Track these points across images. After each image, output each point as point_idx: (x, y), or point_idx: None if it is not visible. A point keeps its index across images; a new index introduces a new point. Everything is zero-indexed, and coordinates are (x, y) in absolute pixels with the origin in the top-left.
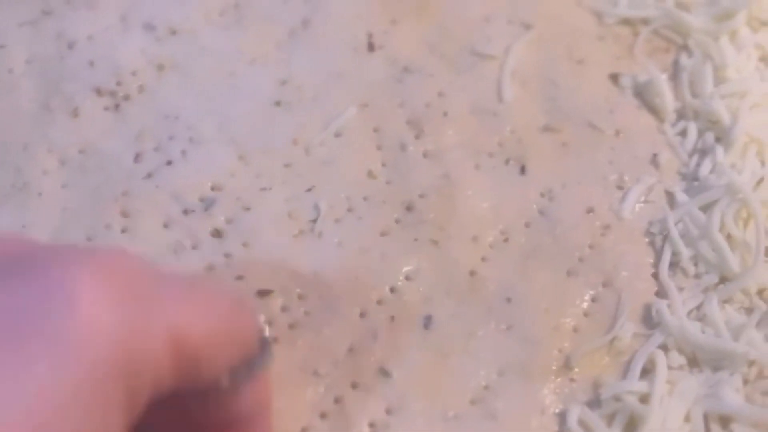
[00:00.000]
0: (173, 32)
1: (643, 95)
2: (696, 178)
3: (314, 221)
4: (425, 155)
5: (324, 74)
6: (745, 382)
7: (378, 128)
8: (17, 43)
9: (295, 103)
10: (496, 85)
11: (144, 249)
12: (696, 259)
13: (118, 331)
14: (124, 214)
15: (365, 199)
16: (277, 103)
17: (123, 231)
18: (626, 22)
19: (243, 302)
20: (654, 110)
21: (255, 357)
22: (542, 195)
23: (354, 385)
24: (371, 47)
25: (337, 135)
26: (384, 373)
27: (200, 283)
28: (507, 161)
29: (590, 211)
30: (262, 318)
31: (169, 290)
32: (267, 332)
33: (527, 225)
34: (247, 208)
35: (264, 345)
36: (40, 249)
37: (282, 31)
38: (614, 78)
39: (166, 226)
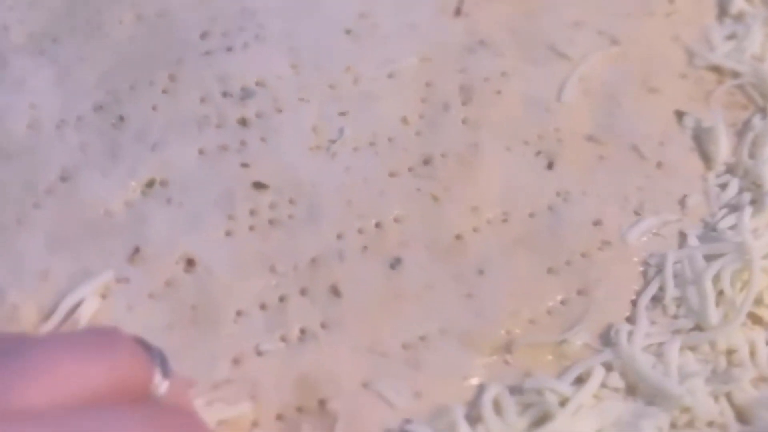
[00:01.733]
0: None
1: (700, 140)
2: (714, 229)
3: (333, 141)
4: (464, 121)
5: (403, 21)
6: (673, 425)
7: (430, 83)
8: None
9: (364, 36)
10: (559, 84)
11: (172, 115)
12: (680, 301)
13: None
14: (171, 78)
15: (390, 140)
16: (348, 31)
17: (163, 91)
18: (715, 69)
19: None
20: (705, 157)
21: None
22: (558, 194)
23: (303, 291)
24: (458, 12)
25: (390, 76)
26: (335, 291)
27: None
28: (538, 153)
29: (598, 223)
30: None
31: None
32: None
33: (531, 215)
34: (279, 110)
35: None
36: None
37: None
38: (679, 115)
39: (202, 100)
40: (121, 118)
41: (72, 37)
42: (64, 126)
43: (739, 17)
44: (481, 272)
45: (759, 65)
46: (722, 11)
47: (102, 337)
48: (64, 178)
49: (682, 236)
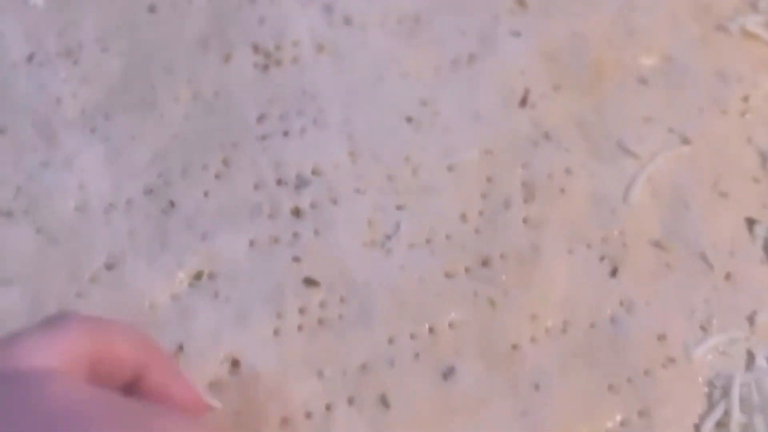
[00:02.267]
0: (347, 21)
1: None
2: None
3: (389, 237)
4: (525, 221)
5: (466, 110)
6: None
7: (491, 178)
8: None
9: (425, 125)
10: (627, 184)
11: (224, 202)
12: (746, 428)
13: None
14: (225, 163)
15: (447, 237)
16: (409, 119)
17: (216, 176)
18: None
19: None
20: None
21: None
22: (621, 303)
23: (350, 400)
24: (523, 103)
25: (450, 169)
26: (384, 401)
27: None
28: (602, 258)
29: (662, 338)
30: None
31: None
32: None
33: (592, 325)
34: (335, 201)
35: None
36: None
37: (446, 57)
38: (750, 223)
39: (256, 187)
40: (172, 204)
41: (125, 114)
42: (113, 210)
43: None
44: (537, 387)
45: None
46: None
47: None
48: (109, 266)
49: (750, 356)
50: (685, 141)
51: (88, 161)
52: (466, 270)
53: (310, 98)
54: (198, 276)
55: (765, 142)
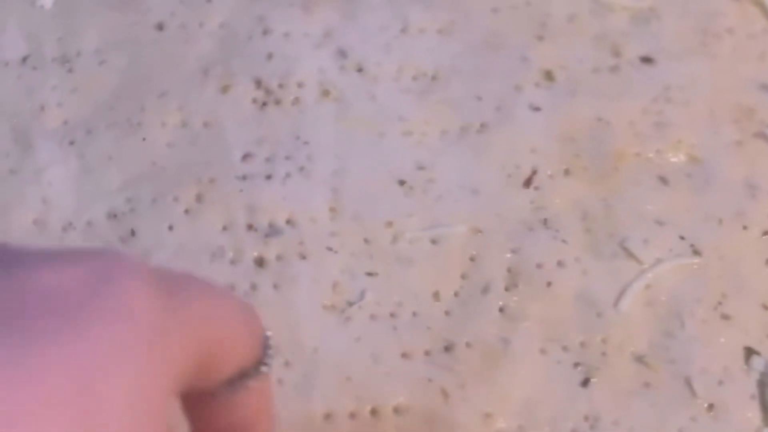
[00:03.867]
0: (359, 69)
1: (766, 388)
2: None
3: (351, 304)
4: (501, 310)
5: (464, 182)
6: None
7: (475, 258)
8: (223, 4)
9: (417, 190)
10: (621, 288)
11: (187, 239)
12: None
13: (156, 317)
14: (198, 198)
15: (414, 314)
16: (401, 182)
17: (186, 211)
18: None
19: (252, 307)
20: (766, 409)
21: (258, 363)
22: (586, 418)
23: None
24: (528, 183)
25: (433, 242)
26: None
27: (215, 285)
28: (576, 364)
29: None
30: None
31: (191, 291)
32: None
33: None
34: (303, 257)
35: (267, 350)
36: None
37: (456, 122)
38: (749, 353)
39: (224, 229)
40: (132, 232)
41: (107, 132)
42: (71, 229)
43: None
44: None
45: None
46: None
47: None
48: None
49: None
50: (696, 252)
51: (58, 175)
52: (426, 353)
53: (302, 143)
54: None
55: None
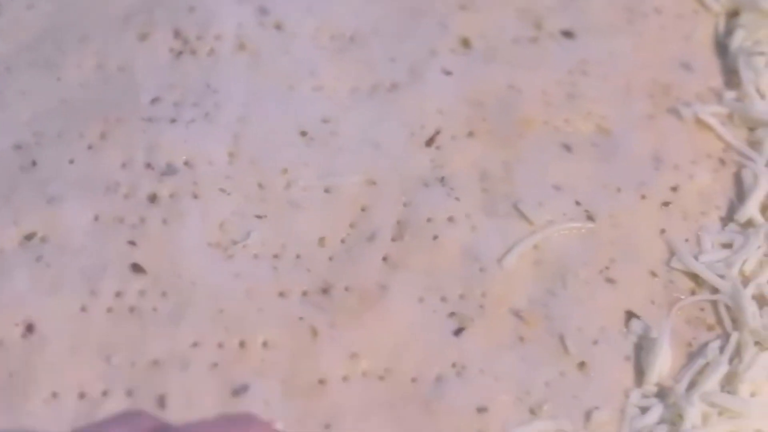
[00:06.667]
0: (277, 26)
1: (641, 350)
2: None
3: (236, 243)
4: (384, 258)
5: (366, 137)
6: None
7: (366, 208)
8: None
9: (317, 142)
10: (508, 247)
11: (86, 173)
12: None
13: None
14: (103, 136)
15: (297, 257)
16: (303, 133)
17: (89, 147)
18: (693, 277)
19: None
20: (639, 370)
21: None
22: (453, 365)
23: (129, 392)
24: (430, 143)
25: (326, 191)
26: (161, 401)
27: None
28: (451, 314)
29: (482, 411)
30: None
31: None
32: None
33: (414, 380)
34: (195, 197)
35: None
36: None
37: (367, 81)
38: (629, 316)
39: (123, 165)
40: (34, 163)
41: (26, 71)
42: None
43: (746, 226)
44: (327, 426)
45: (740, 288)
46: (729, 214)
47: None
48: None
49: None
50: (590, 218)
51: None
52: (303, 293)
53: (212, 92)
54: (29, 237)
55: (680, 237)
